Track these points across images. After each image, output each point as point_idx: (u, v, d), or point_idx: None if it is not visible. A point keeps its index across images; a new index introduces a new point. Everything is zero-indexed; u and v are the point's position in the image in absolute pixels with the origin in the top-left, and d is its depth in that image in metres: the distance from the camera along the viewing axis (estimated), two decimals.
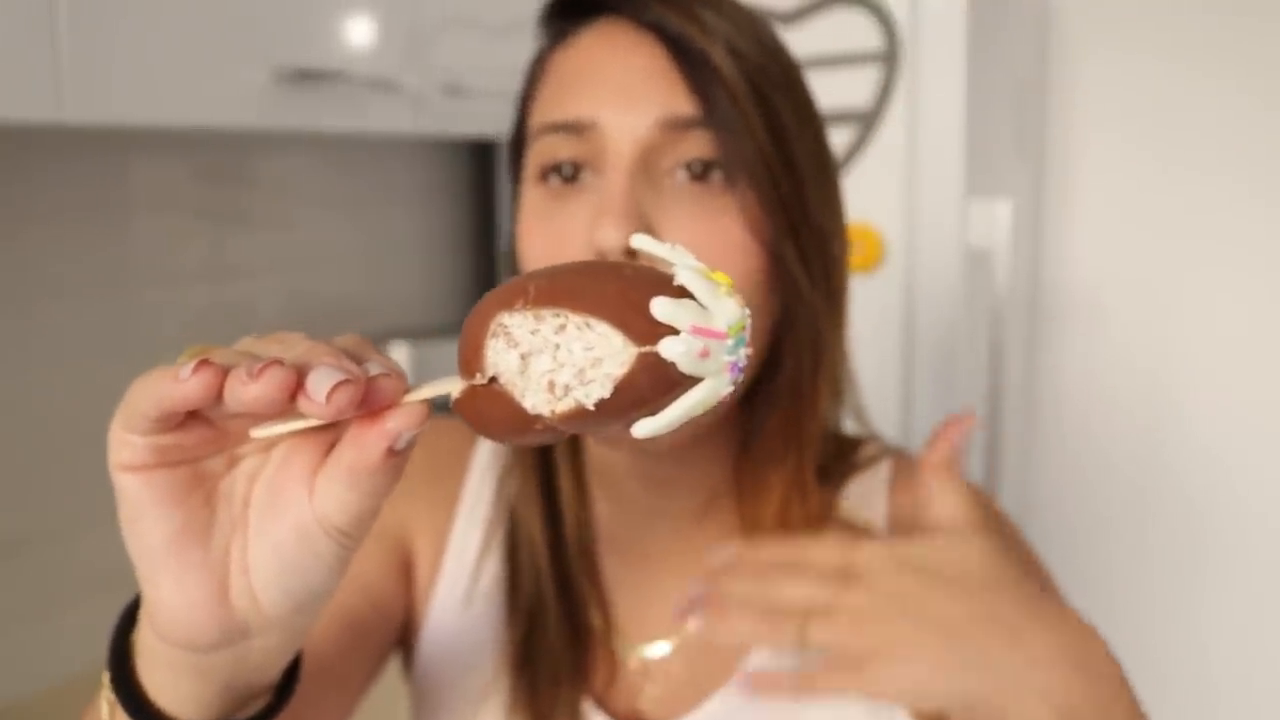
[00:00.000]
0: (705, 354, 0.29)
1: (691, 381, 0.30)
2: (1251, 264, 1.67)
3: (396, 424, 0.31)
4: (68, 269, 1.17)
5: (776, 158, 0.52)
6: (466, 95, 1.29)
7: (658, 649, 0.59)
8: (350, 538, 0.33)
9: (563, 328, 0.30)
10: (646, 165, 0.52)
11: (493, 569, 0.64)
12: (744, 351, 0.31)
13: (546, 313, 0.30)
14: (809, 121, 0.55)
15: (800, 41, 1.42)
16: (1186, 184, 1.70)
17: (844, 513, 0.61)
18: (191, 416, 0.32)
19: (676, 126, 0.51)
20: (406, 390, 0.32)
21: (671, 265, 0.31)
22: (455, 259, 1.83)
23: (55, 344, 1.16)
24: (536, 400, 0.30)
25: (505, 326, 0.30)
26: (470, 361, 0.31)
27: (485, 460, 0.67)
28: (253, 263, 1.41)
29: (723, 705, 0.56)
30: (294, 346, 0.31)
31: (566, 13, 0.58)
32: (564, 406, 0.30)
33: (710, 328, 0.29)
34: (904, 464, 0.64)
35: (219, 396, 0.30)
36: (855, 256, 1.40)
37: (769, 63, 0.54)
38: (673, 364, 0.29)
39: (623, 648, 0.60)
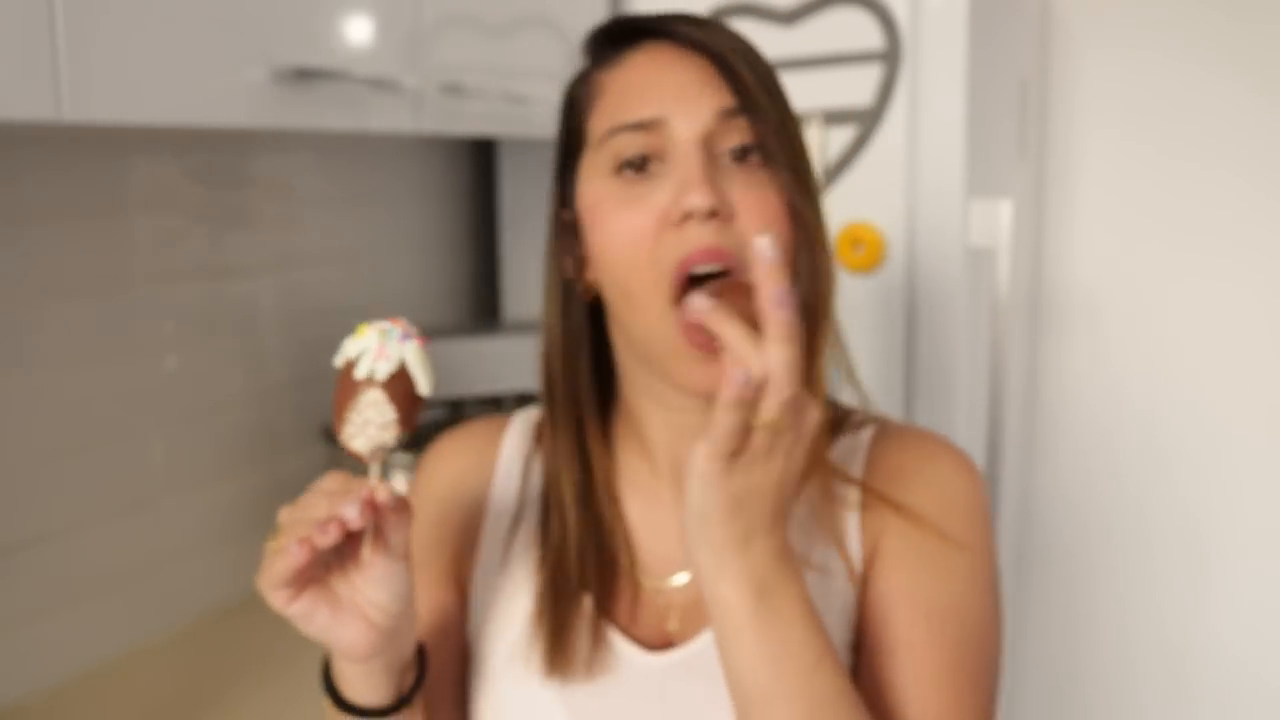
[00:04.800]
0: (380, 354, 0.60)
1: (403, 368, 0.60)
2: (1251, 262, 1.67)
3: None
4: (67, 269, 1.16)
5: (793, 141, 0.68)
6: (466, 95, 1.29)
7: (679, 579, 0.72)
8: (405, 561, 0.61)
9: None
10: (708, 149, 0.65)
11: (525, 535, 0.76)
12: (398, 337, 0.61)
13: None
14: (795, 117, 0.71)
15: (801, 41, 1.42)
16: (1187, 183, 1.70)
17: (831, 460, 0.71)
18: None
19: (729, 116, 0.66)
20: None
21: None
22: (454, 258, 1.83)
23: (55, 344, 1.16)
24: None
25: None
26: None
27: (510, 453, 0.80)
28: (252, 262, 1.41)
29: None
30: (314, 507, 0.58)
31: (615, 40, 0.71)
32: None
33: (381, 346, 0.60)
34: (886, 429, 0.75)
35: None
36: (856, 256, 1.40)
37: (770, 72, 0.69)
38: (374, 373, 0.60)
39: (645, 580, 0.73)
